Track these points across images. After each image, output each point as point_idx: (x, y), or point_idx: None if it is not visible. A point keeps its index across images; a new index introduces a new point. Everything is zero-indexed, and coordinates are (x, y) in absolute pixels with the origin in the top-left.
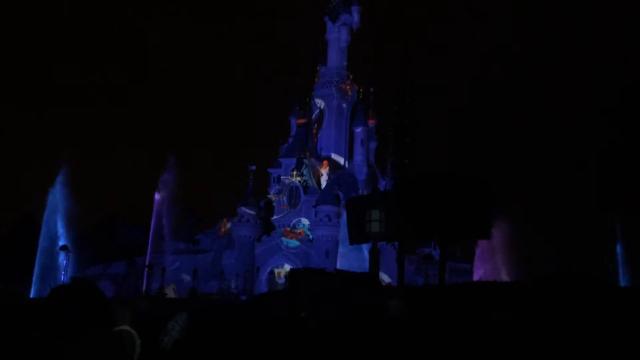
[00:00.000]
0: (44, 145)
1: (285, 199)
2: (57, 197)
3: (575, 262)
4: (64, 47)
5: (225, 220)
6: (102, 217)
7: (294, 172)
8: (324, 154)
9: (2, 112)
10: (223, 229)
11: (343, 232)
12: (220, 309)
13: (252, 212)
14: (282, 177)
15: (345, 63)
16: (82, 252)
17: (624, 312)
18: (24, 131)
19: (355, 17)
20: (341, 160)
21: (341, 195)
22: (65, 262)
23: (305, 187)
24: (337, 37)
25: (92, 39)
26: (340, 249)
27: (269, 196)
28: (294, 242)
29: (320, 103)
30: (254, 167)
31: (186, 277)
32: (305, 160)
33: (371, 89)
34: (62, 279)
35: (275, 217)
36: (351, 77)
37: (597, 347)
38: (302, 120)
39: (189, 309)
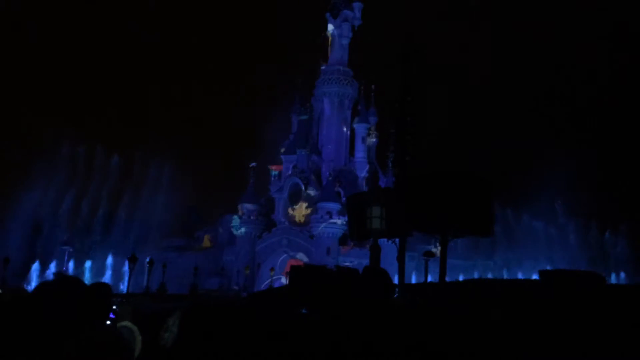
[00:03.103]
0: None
1: (286, 196)
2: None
3: (575, 261)
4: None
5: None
6: (103, 212)
7: (295, 169)
8: (324, 150)
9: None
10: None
11: None
12: (220, 307)
13: (253, 209)
14: (283, 174)
15: (346, 60)
16: (82, 248)
17: (621, 307)
18: (24, 128)
19: (357, 13)
20: (342, 157)
21: (342, 192)
22: (66, 257)
23: (306, 184)
24: (338, 33)
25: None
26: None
27: (270, 193)
28: None
29: (321, 100)
30: (254, 164)
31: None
32: (306, 157)
33: (372, 86)
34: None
35: (276, 214)
36: (352, 74)
37: (596, 341)
38: (303, 117)
39: (188, 305)
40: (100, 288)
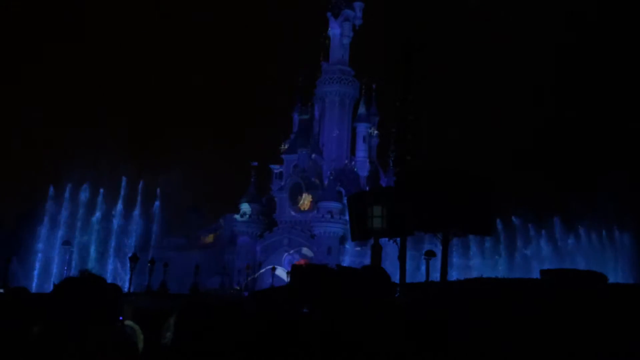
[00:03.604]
0: (47, 139)
1: (287, 195)
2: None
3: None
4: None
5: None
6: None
7: (296, 169)
8: (326, 150)
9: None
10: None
11: None
12: (217, 305)
13: (254, 209)
14: (284, 174)
15: (347, 59)
16: (84, 247)
17: (623, 307)
18: (27, 125)
19: (358, 12)
20: (343, 157)
21: (343, 192)
22: (67, 257)
23: (307, 184)
24: (339, 32)
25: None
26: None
27: (271, 192)
28: None
29: (322, 99)
30: (255, 163)
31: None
32: (307, 157)
33: (373, 85)
34: (64, 274)
35: (277, 213)
36: (353, 73)
37: (599, 340)
38: (304, 117)
39: (187, 303)
40: (113, 288)
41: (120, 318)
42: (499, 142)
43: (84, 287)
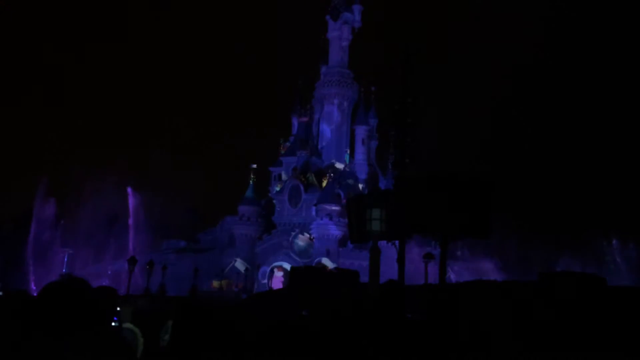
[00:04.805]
0: (44, 142)
1: (286, 197)
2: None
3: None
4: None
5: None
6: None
7: (295, 171)
8: (324, 152)
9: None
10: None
11: None
12: (212, 308)
13: (253, 211)
14: (283, 176)
15: (346, 62)
16: (83, 250)
17: (623, 310)
18: (26, 127)
19: (357, 15)
20: (342, 159)
21: (342, 194)
22: (66, 259)
23: (307, 186)
24: (338, 35)
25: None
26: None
27: (270, 195)
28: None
29: (321, 102)
30: (254, 166)
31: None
32: (306, 159)
33: (372, 88)
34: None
35: (276, 215)
36: (352, 76)
37: (598, 343)
38: (303, 119)
39: (182, 306)
40: (105, 291)
41: (115, 318)
42: (500, 143)
43: (65, 291)
